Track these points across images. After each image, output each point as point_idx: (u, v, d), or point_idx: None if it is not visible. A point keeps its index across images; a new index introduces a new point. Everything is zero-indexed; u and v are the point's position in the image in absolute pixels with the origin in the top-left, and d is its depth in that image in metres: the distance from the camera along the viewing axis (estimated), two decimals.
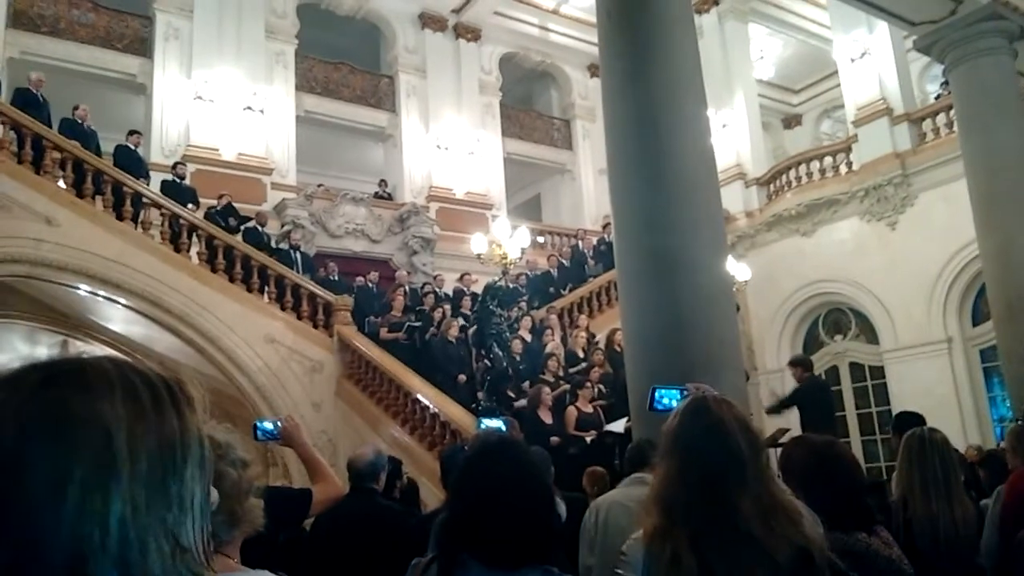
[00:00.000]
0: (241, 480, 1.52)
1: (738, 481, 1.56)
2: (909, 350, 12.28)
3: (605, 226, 13.93)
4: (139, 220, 9.63)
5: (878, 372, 12.90)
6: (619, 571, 1.69)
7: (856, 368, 13.37)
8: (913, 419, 3.88)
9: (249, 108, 13.64)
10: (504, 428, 3.89)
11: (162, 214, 9.88)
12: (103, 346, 10.78)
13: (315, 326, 10.24)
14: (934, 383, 11.65)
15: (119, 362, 0.68)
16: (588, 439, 7.71)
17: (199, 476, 0.68)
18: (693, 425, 1.65)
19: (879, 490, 3.56)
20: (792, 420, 8.00)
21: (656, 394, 2.29)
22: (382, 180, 15.17)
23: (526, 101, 18.76)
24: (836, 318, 13.90)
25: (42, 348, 11.48)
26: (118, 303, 9.39)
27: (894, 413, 6.84)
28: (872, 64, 13.40)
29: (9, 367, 0.67)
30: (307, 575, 3.68)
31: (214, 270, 9.81)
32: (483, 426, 3.98)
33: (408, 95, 15.74)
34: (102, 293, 9.23)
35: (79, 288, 9.24)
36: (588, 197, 17.36)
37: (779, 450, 4.19)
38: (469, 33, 16.53)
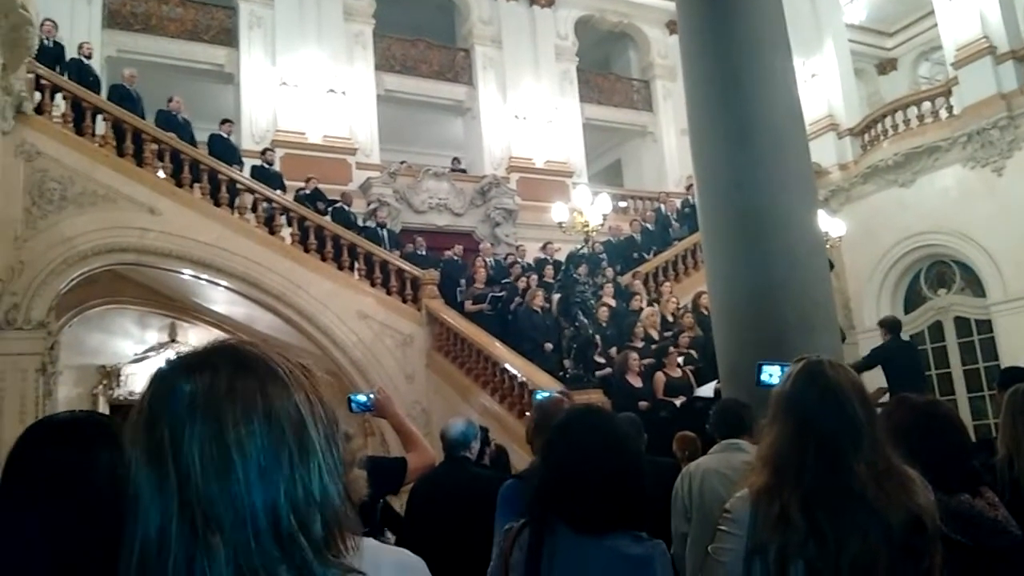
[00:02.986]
0: (345, 452, 1.59)
1: (854, 445, 1.56)
2: (1019, 302, 11.62)
3: (688, 187, 13.65)
4: (235, 205, 10.01)
5: (985, 326, 12.28)
6: (722, 528, 1.69)
7: (961, 323, 12.75)
8: (1020, 374, 3.68)
9: (332, 90, 13.93)
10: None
11: (256, 199, 10.24)
12: (209, 327, 11.35)
13: (404, 301, 10.47)
14: None
15: (266, 349, 0.83)
16: (677, 403, 7.65)
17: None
18: (808, 389, 1.63)
19: (987, 448, 3.41)
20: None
21: (761, 370, 2.27)
22: (455, 158, 15.27)
23: (604, 64, 18.43)
24: (939, 271, 13.26)
25: (152, 331, 12.18)
26: (220, 285, 9.84)
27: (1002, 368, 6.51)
28: (973, 0, 12.56)
29: (191, 352, 0.82)
30: (405, 541, 3.82)
31: (306, 250, 10.13)
32: (538, 397, 4.06)
33: (485, 67, 15.72)
34: (204, 276, 9.68)
35: (183, 273, 9.71)
36: (671, 159, 16.98)
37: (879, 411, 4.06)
38: None
